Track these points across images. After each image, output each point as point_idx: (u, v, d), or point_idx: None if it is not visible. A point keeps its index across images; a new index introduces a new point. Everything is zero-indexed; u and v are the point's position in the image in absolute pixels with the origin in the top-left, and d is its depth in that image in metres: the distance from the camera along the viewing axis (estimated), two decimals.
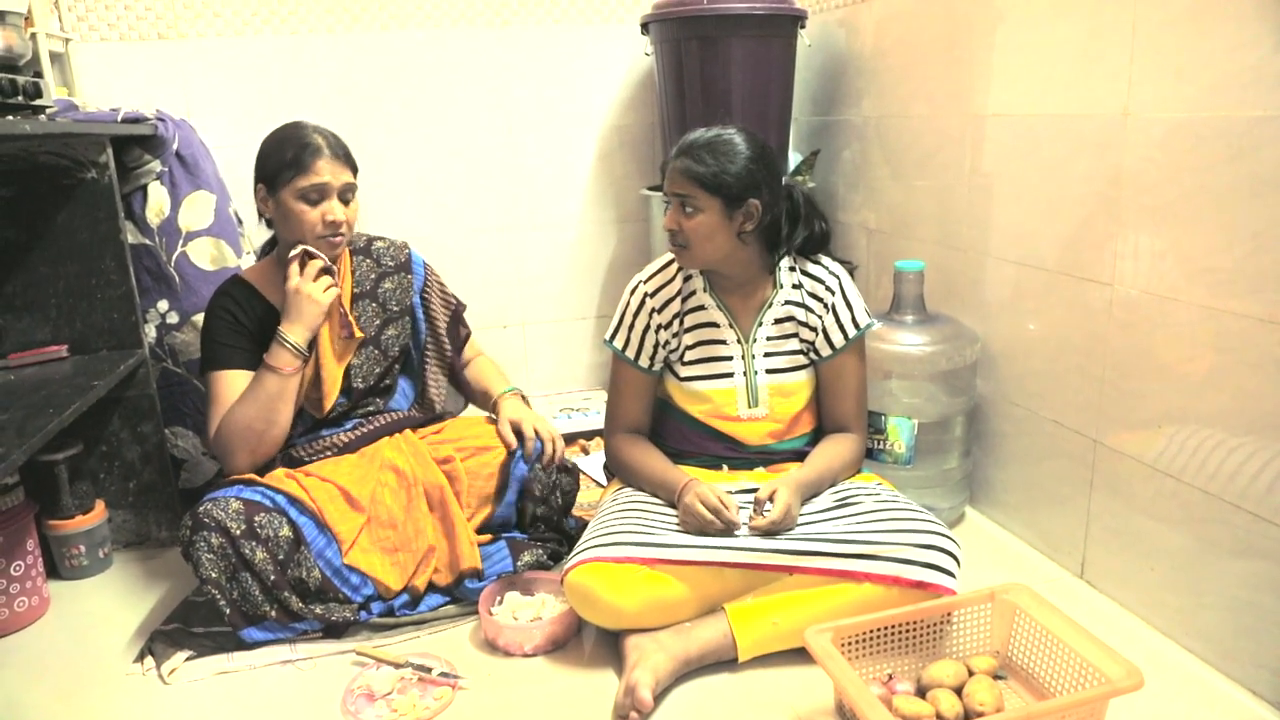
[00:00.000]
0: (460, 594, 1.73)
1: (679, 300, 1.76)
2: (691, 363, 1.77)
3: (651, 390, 1.82)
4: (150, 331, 2.07)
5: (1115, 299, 1.63)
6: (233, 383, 1.73)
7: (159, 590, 1.86)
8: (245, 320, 1.77)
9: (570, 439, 2.54)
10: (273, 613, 1.60)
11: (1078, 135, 1.68)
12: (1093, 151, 1.65)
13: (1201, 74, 1.42)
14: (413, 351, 1.96)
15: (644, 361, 1.78)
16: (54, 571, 1.91)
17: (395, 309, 1.90)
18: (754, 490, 1.66)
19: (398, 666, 1.54)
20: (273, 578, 1.58)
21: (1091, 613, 1.66)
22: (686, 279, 1.78)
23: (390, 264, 1.92)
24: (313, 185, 1.69)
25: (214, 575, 1.56)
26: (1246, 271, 1.37)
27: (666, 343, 1.77)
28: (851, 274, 1.79)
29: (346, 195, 1.75)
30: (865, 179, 2.45)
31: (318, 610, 1.62)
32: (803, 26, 2.44)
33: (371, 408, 1.89)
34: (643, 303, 1.76)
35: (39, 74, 2.01)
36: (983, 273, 1.99)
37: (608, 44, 2.72)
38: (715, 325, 1.76)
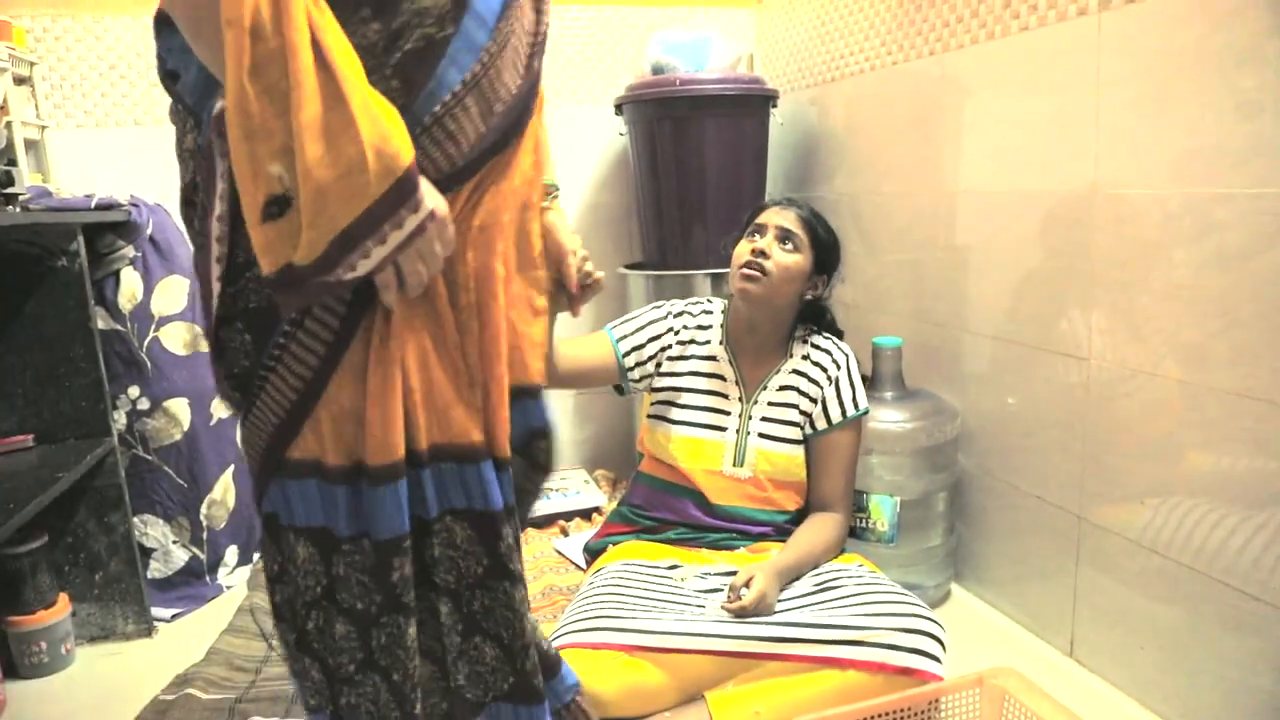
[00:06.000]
0: None
1: (694, 339, 1.82)
2: (687, 407, 1.78)
3: (599, 365, 1.78)
4: (120, 418, 2.03)
5: (1092, 373, 1.63)
6: None
7: (123, 688, 1.78)
8: None
9: (550, 520, 2.50)
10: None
11: (1048, 211, 1.70)
12: (1063, 227, 1.66)
13: (1164, 152, 1.45)
14: None
15: (629, 358, 1.79)
16: (12, 670, 1.84)
17: None
18: (734, 573, 1.63)
19: None
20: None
21: (1083, 693, 1.62)
22: (707, 327, 1.82)
23: None
24: None
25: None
26: (1219, 345, 1.38)
27: (661, 365, 1.81)
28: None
29: None
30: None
31: None
32: (775, 105, 2.48)
33: None
34: (667, 316, 1.84)
35: (13, 161, 2.01)
36: (960, 347, 1.99)
37: (582, 124, 2.75)
38: (722, 379, 1.78)
